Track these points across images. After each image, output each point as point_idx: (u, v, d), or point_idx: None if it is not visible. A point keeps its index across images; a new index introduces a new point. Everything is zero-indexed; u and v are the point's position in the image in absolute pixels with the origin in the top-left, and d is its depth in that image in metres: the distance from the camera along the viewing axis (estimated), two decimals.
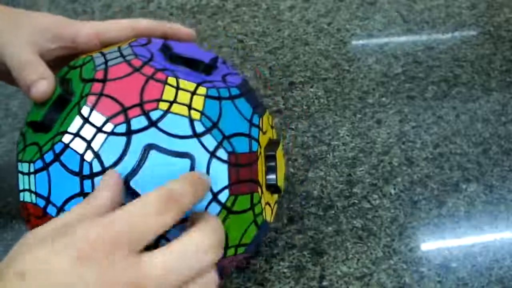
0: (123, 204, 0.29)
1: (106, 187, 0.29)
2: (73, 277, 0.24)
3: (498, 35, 0.68)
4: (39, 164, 0.32)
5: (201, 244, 0.27)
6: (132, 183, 0.30)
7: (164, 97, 0.32)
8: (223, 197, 0.32)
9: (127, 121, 0.31)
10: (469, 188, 0.52)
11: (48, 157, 0.32)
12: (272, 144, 0.37)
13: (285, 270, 0.45)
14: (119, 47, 0.35)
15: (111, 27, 0.38)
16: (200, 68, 0.35)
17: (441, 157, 0.54)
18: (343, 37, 0.67)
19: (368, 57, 0.65)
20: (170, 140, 0.31)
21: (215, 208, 0.32)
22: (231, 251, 0.34)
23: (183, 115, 0.32)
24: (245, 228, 0.35)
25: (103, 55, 0.35)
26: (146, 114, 0.31)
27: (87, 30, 0.38)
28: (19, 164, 0.34)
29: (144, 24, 0.39)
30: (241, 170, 0.33)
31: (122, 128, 0.31)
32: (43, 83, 0.34)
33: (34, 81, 0.34)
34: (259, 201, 0.35)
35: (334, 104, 0.59)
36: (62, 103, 0.33)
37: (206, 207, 0.32)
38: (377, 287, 0.44)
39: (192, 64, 0.35)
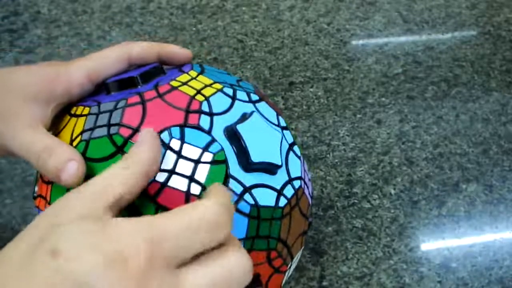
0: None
1: (144, 143, 0.27)
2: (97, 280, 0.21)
3: (498, 35, 0.68)
4: None
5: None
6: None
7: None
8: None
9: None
10: (469, 188, 0.52)
11: None
12: None
13: None
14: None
15: (102, 65, 0.34)
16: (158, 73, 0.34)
17: (441, 157, 0.54)
18: (343, 37, 0.67)
19: (368, 57, 0.65)
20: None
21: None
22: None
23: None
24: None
25: (96, 114, 0.32)
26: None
27: (78, 78, 0.33)
28: None
29: (136, 51, 0.35)
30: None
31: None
32: (72, 165, 0.29)
33: (61, 167, 0.30)
34: None
35: (334, 104, 0.59)
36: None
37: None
38: (377, 287, 0.44)
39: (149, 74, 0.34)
